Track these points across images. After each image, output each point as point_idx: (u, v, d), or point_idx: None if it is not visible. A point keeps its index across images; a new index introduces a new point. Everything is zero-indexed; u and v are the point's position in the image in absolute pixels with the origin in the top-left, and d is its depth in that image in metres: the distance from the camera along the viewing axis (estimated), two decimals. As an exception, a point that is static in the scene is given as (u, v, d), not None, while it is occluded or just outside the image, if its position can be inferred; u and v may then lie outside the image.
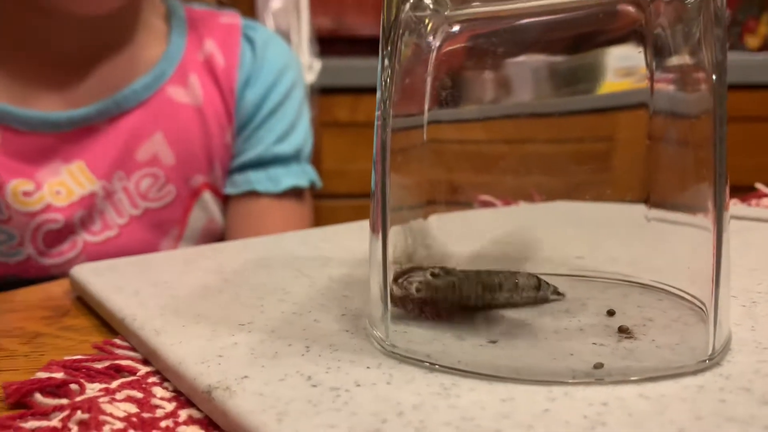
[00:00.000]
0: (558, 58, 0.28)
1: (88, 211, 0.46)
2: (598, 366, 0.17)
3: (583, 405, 0.15)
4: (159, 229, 0.49)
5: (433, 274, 0.21)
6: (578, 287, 0.25)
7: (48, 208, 0.45)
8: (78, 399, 0.18)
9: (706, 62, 0.16)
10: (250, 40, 0.53)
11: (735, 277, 0.25)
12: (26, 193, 0.44)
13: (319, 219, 0.60)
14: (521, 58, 0.28)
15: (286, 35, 1.15)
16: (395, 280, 0.21)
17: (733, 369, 0.17)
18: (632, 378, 0.17)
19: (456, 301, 0.20)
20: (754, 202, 0.44)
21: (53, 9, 0.43)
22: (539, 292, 0.23)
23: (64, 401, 0.18)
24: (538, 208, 0.33)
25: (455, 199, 0.36)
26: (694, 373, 0.17)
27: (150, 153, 0.48)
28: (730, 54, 1.49)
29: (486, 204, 0.49)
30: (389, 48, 0.20)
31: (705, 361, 0.17)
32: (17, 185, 0.44)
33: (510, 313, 0.22)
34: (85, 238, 0.46)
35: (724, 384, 0.16)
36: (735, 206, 0.43)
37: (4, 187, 0.44)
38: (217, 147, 0.50)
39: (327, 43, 1.31)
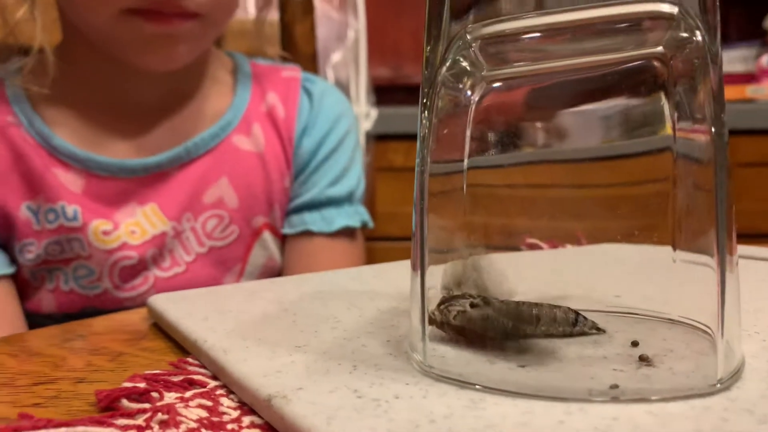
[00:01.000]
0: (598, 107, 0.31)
1: (159, 249, 0.50)
2: (614, 386, 0.19)
3: (596, 419, 0.17)
4: (222, 265, 0.53)
5: (472, 305, 0.24)
6: (611, 322, 0.27)
7: (124, 246, 0.49)
8: (158, 404, 0.21)
9: (707, 115, 0.18)
10: (308, 92, 0.57)
11: (760, 315, 0.27)
12: (105, 233, 0.49)
13: (374, 260, 0.62)
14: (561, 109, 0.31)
15: (345, 86, 1.21)
16: (439, 305, 0.23)
17: (740, 394, 0.19)
18: (644, 398, 0.18)
19: (489, 332, 0.22)
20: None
21: (131, 64, 0.48)
22: (576, 327, 0.25)
23: (147, 405, 0.21)
24: (584, 250, 0.35)
25: (500, 242, 0.38)
26: (703, 396, 0.18)
27: (216, 196, 0.52)
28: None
29: (533, 246, 0.51)
30: (427, 103, 0.23)
31: (715, 385, 0.19)
32: (98, 225, 0.49)
33: (541, 342, 0.24)
34: (155, 273, 0.51)
35: (728, 405, 0.18)
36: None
37: (87, 227, 0.48)
38: (276, 191, 0.54)
39: (384, 92, 1.36)
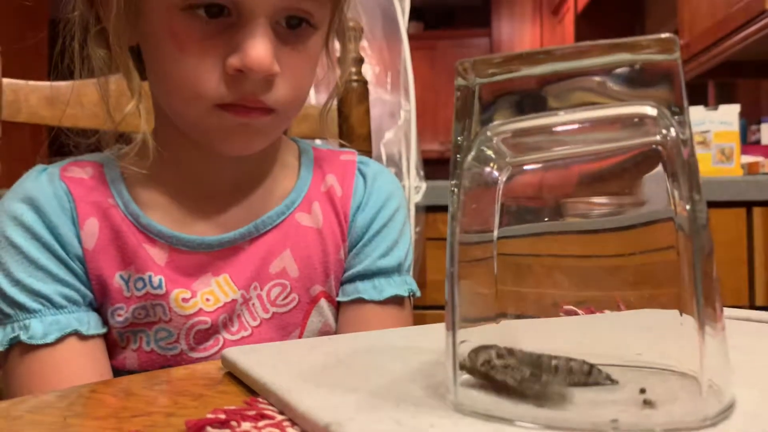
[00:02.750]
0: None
1: (230, 314, 0.56)
2: (614, 421, 0.23)
3: (595, 444, 0.21)
4: (283, 330, 0.58)
5: (498, 355, 0.28)
6: (627, 374, 0.30)
7: (199, 312, 0.55)
8: (237, 430, 0.26)
9: (678, 195, 0.23)
10: (363, 174, 0.64)
11: (762, 371, 0.30)
12: (184, 300, 0.55)
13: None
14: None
15: (396, 161, 1.28)
16: (470, 354, 0.27)
17: (724, 429, 0.22)
18: (638, 430, 0.22)
19: (510, 378, 0.26)
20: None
21: (212, 149, 0.55)
22: (590, 377, 0.28)
23: (228, 432, 0.26)
24: (614, 315, 0.38)
25: (529, 307, 0.42)
26: (691, 430, 0.22)
27: (280, 267, 0.58)
28: None
29: (570, 313, 0.54)
30: (457, 182, 0.27)
31: (704, 422, 0.22)
32: (178, 293, 0.54)
33: (558, 388, 0.27)
34: (225, 336, 0.56)
35: (710, 436, 0.21)
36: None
37: (169, 295, 0.54)
38: (332, 262, 0.60)
39: (434, 166, 1.42)
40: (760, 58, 2.09)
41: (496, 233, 0.33)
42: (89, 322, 0.53)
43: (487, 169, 0.29)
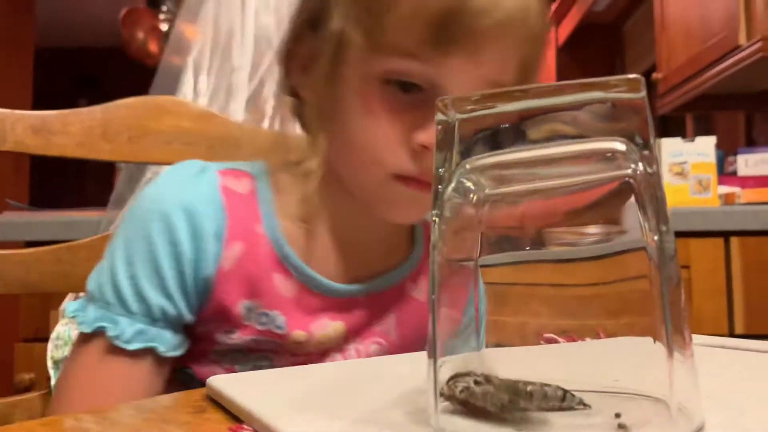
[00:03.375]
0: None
1: (330, 358, 0.56)
2: (589, 443, 0.23)
3: (570, 465, 0.22)
4: None
5: (476, 382, 0.28)
6: (604, 399, 0.31)
7: (309, 353, 0.55)
8: (223, 456, 0.26)
9: (646, 228, 0.24)
10: None
11: (736, 396, 0.31)
12: (299, 342, 0.54)
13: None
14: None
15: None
16: (448, 381, 0.28)
17: (693, 450, 0.23)
18: (612, 452, 0.23)
19: (488, 405, 0.27)
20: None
21: (375, 213, 0.55)
22: (564, 402, 0.29)
23: (214, 458, 0.26)
24: (595, 343, 0.39)
25: (514, 336, 0.43)
26: (661, 451, 0.23)
27: (383, 327, 0.59)
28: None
29: (550, 341, 0.55)
30: (438, 212, 0.28)
31: (673, 444, 0.23)
32: (298, 335, 0.54)
33: (536, 414, 0.28)
34: None
35: (680, 458, 0.22)
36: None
37: (289, 335, 0.54)
38: (424, 335, 0.61)
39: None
40: (736, 91, 2.15)
41: (476, 263, 0.34)
42: (170, 343, 0.52)
43: (467, 200, 0.31)
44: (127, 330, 0.50)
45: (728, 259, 1.35)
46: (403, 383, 0.35)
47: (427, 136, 0.48)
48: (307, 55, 0.54)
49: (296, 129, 0.60)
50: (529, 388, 0.28)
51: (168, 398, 0.39)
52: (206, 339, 0.55)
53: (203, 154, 0.84)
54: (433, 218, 0.29)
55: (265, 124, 1.46)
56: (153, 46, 2.67)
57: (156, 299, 0.51)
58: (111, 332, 0.50)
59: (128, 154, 0.80)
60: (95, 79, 4.83)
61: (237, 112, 1.42)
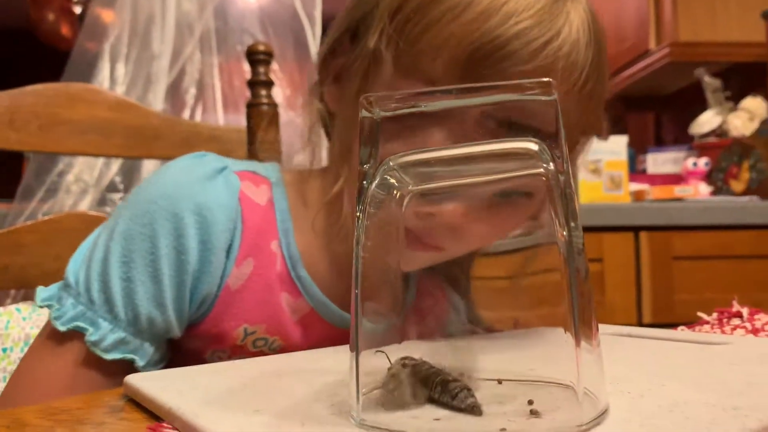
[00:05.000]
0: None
1: None
2: (503, 430, 0.24)
3: (484, 451, 0.23)
4: None
5: (404, 365, 0.29)
6: (518, 388, 0.33)
7: None
8: (141, 455, 0.26)
9: (557, 223, 0.25)
10: None
11: (638, 380, 0.33)
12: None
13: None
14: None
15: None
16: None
17: (597, 432, 0.24)
18: (524, 437, 0.24)
19: (403, 388, 0.28)
20: (697, 328, 0.51)
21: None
22: (454, 401, 0.29)
23: (131, 457, 0.26)
24: (513, 334, 0.41)
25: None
26: (569, 434, 0.24)
27: None
28: (718, 198, 1.59)
29: (473, 332, 0.57)
30: (362, 208, 0.29)
31: (580, 426, 0.25)
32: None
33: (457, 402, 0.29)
34: None
35: (585, 440, 0.24)
36: (682, 331, 0.51)
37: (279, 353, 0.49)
38: None
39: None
40: (647, 93, 2.28)
41: (399, 257, 0.35)
42: (150, 358, 0.47)
43: (391, 196, 0.31)
44: (108, 337, 0.46)
45: (638, 253, 1.43)
46: (325, 377, 0.36)
47: (434, 206, 0.40)
48: (342, 67, 0.50)
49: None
50: (438, 378, 0.29)
51: (82, 398, 0.38)
52: (191, 354, 0.50)
53: (120, 145, 0.81)
54: (357, 214, 0.29)
55: (186, 114, 1.43)
56: (65, 30, 2.54)
57: (147, 309, 0.46)
58: (90, 336, 0.45)
59: (38, 143, 0.76)
60: (0, 63, 4.55)
61: (156, 101, 1.37)
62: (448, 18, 0.42)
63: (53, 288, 0.48)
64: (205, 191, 0.48)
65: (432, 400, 0.29)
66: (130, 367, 0.47)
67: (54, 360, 0.46)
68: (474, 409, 0.27)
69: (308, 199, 0.53)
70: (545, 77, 0.43)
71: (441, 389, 0.28)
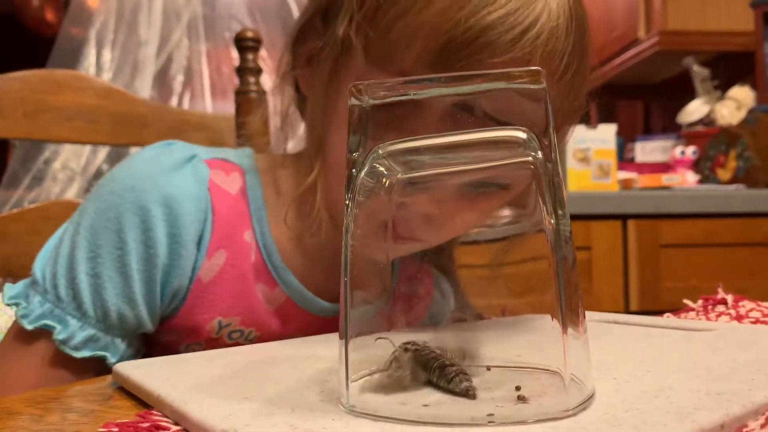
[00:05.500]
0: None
1: None
2: (490, 415, 0.25)
3: (472, 436, 0.23)
4: None
5: (405, 349, 0.30)
6: (506, 374, 0.33)
7: None
8: (130, 443, 0.26)
9: (549, 209, 0.25)
10: None
11: (624, 366, 0.33)
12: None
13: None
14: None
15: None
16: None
17: (583, 418, 0.25)
18: (512, 422, 0.24)
19: (404, 370, 0.28)
20: (682, 315, 0.52)
21: None
22: (450, 384, 0.29)
23: (121, 445, 0.26)
24: (501, 321, 0.41)
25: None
26: (555, 420, 0.25)
27: None
28: (705, 186, 1.61)
29: (458, 319, 0.57)
30: (351, 196, 0.29)
31: (566, 411, 0.25)
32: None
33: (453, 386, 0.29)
34: None
35: (572, 426, 0.24)
36: (667, 318, 0.51)
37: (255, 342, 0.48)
38: None
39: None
40: (636, 82, 2.28)
41: (389, 244, 0.35)
42: (122, 354, 0.46)
43: (380, 184, 0.31)
44: (77, 334, 0.45)
45: (625, 241, 1.44)
46: (315, 364, 0.36)
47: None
48: (313, 50, 0.48)
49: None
50: (437, 363, 0.30)
51: (72, 387, 0.38)
52: (165, 347, 0.50)
53: (107, 132, 0.80)
54: (347, 202, 0.29)
55: (174, 101, 1.41)
56: (50, 15, 2.51)
57: (116, 304, 0.45)
58: (58, 335, 0.44)
59: (23, 130, 0.75)
60: (-15, 49, 4.48)
61: (143, 88, 1.36)
62: (419, 6, 0.40)
63: (20, 285, 0.46)
64: (173, 182, 0.47)
65: (431, 384, 0.29)
66: (101, 364, 0.46)
67: (21, 360, 0.46)
68: (468, 393, 0.28)
69: (281, 187, 0.51)
70: (524, 66, 0.43)
71: (438, 373, 0.28)
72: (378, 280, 0.32)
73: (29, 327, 0.44)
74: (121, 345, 0.47)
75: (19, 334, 0.46)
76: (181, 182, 0.47)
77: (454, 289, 0.54)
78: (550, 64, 0.42)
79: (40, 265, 0.46)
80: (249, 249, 0.49)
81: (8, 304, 0.46)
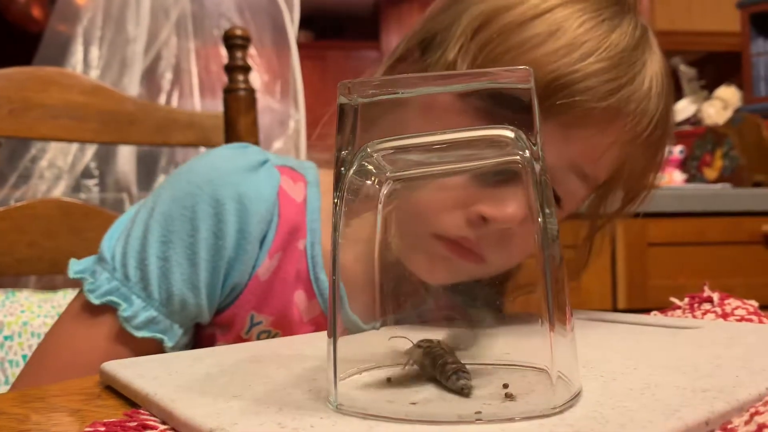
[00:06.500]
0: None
1: None
2: (478, 413, 0.25)
3: (460, 434, 0.23)
4: None
5: (419, 345, 0.30)
6: (494, 372, 0.33)
7: None
8: (117, 442, 0.26)
9: (535, 208, 0.26)
10: None
11: (611, 364, 0.34)
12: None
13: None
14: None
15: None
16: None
17: (569, 415, 0.25)
18: (499, 420, 0.24)
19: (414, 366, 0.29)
20: (669, 313, 0.52)
21: (409, 266, 0.47)
22: (447, 382, 0.30)
23: (107, 444, 0.26)
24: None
25: (413, 313, 0.45)
26: (542, 417, 0.25)
27: None
28: (692, 185, 1.62)
29: (449, 318, 0.57)
30: (339, 194, 0.29)
31: (554, 409, 0.25)
32: None
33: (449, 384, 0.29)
34: None
35: (558, 422, 0.24)
36: (654, 316, 0.52)
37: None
38: None
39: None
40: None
41: (377, 243, 0.35)
42: (178, 340, 0.48)
43: (368, 183, 0.31)
44: (140, 314, 0.46)
45: (613, 239, 1.45)
46: (303, 363, 0.36)
47: (494, 209, 0.41)
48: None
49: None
50: (441, 361, 0.30)
51: (58, 386, 0.37)
52: (209, 340, 0.51)
53: (95, 130, 0.80)
54: (335, 200, 0.29)
55: (162, 99, 1.41)
56: (36, 11, 2.48)
57: (181, 290, 0.47)
58: (123, 312, 0.46)
59: (9, 128, 0.74)
60: (-30, 45, 4.43)
61: (131, 86, 1.35)
62: (530, 45, 0.43)
63: (87, 261, 0.48)
64: (248, 181, 0.49)
65: (435, 380, 0.29)
66: (158, 347, 0.47)
67: (87, 333, 0.47)
68: (463, 391, 0.28)
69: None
70: (616, 119, 0.45)
71: (440, 371, 0.29)
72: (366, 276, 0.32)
73: (96, 301, 0.46)
74: (178, 331, 0.48)
75: (84, 308, 0.47)
76: (255, 183, 0.49)
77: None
78: (641, 121, 0.46)
79: (108, 244, 0.48)
80: (299, 257, 0.51)
81: (74, 278, 0.47)
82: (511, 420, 0.24)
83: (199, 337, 0.52)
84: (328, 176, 0.56)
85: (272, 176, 0.51)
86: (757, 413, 0.24)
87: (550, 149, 0.44)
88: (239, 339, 0.50)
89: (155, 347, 0.47)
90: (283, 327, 0.51)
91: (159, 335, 0.47)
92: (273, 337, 0.51)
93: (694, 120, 1.83)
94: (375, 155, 0.29)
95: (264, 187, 0.50)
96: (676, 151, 1.76)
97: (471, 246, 0.45)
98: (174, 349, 0.48)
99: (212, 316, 0.50)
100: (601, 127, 0.45)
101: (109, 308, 0.46)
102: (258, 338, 0.50)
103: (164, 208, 0.48)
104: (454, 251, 0.45)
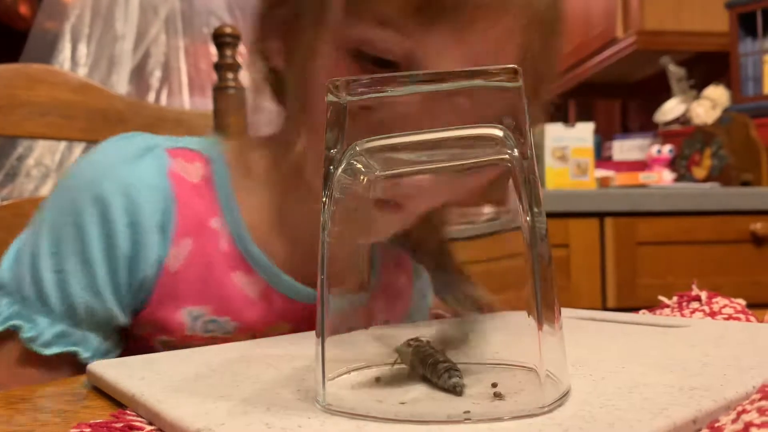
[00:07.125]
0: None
1: None
2: (467, 412, 0.25)
3: (448, 434, 0.23)
4: None
5: (408, 344, 0.30)
6: (483, 371, 0.33)
7: None
8: (103, 443, 0.25)
9: (525, 207, 0.26)
10: None
11: (599, 363, 0.34)
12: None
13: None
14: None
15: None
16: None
17: (558, 414, 0.25)
18: (488, 419, 0.24)
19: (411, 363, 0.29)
20: (658, 311, 0.52)
21: None
22: (439, 380, 0.30)
23: (93, 445, 0.25)
24: (483, 317, 0.41)
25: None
26: (531, 416, 0.25)
27: None
28: (681, 184, 1.63)
29: (438, 316, 0.57)
30: (327, 193, 0.29)
31: (543, 408, 0.25)
32: (243, 337, 0.48)
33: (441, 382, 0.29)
34: None
35: (546, 422, 0.24)
36: (643, 315, 0.52)
37: (235, 337, 0.48)
38: None
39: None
40: (614, 81, 2.31)
41: (366, 242, 0.35)
42: (96, 349, 0.46)
43: (357, 182, 0.31)
44: (46, 331, 0.44)
45: (602, 238, 1.46)
46: (292, 362, 0.36)
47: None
48: (286, 19, 0.47)
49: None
50: (431, 360, 0.29)
51: (43, 387, 0.37)
52: (140, 342, 0.49)
53: (82, 128, 0.79)
54: (323, 199, 0.29)
55: (151, 97, 1.40)
56: (23, 8, 2.46)
57: (83, 297, 0.45)
58: (27, 333, 0.44)
59: (-4, 126, 0.74)
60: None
61: (120, 84, 1.34)
62: None
63: None
64: (131, 171, 0.46)
65: (425, 379, 0.29)
66: (74, 360, 0.46)
67: None
68: (455, 389, 0.28)
69: (254, 171, 0.51)
70: (503, 10, 0.42)
71: (431, 370, 0.29)
72: (356, 273, 0.32)
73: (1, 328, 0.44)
74: (94, 340, 0.46)
75: None
76: (139, 171, 0.47)
77: (463, 284, 0.54)
78: (530, 6, 0.43)
79: (4, 268, 0.46)
80: (218, 236, 0.48)
81: None
82: (499, 419, 0.24)
83: (134, 340, 0.50)
84: (232, 147, 0.53)
85: (160, 161, 0.48)
86: (744, 412, 0.24)
87: (451, 61, 0.42)
88: (186, 338, 0.48)
89: (69, 360, 0.45)
90: (230, 311, 0.49)
91: (72, 348, 0.45)
92: (223, 325, 0.49)
93: (683, 119, 1.84)
94: (364, 153, 0.29)
95: (150, 174, 0.47)
96: (665, 150, 1.77)
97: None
98: (95, 357, 0.46)
99: (132, 316, 0.48)
100: (495, 15, 0.42)
101: (13, 333, 0.45)
102: (208, 330, 0.48)
103: (49, 220, 0.46)
104: (377, 207, 0.43)
